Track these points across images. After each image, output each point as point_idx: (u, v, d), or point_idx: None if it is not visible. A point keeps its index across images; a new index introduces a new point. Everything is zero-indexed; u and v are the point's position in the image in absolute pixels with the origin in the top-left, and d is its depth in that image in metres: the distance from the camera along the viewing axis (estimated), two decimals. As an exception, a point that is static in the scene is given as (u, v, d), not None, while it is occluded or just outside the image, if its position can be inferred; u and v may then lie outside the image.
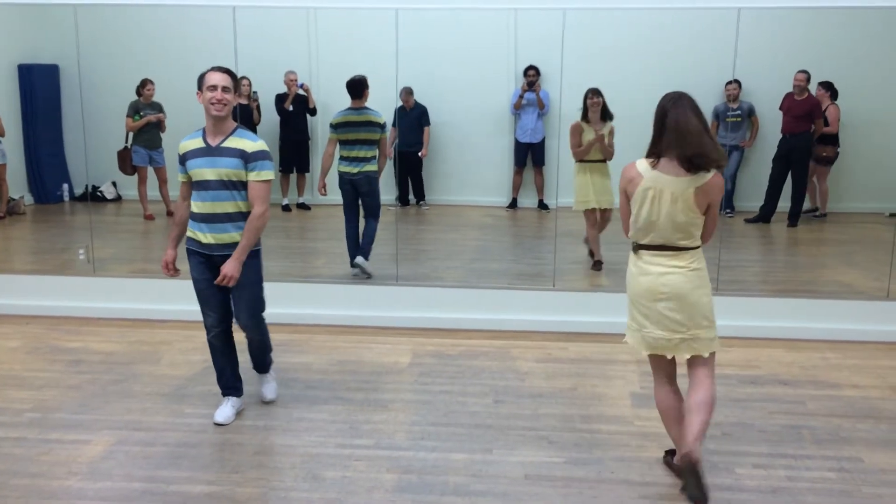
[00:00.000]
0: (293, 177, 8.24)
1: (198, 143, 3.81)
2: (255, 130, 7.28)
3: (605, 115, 6.39)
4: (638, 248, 3.37)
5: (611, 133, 6.37)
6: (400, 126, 7.63)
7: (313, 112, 8.16)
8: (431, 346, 5.19)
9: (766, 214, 7.70)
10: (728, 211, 7.80)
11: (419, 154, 8.12)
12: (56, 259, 6.96)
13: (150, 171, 7.92)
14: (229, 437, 3.87)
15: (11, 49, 8.31)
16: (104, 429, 3.94)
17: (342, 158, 6.24)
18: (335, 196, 6.42)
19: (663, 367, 3.44)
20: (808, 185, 7.72)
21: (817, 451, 3.73)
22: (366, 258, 6.22)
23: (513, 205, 8.65)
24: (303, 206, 8.33)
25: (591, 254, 6.58)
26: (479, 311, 5.59)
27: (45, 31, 8.26)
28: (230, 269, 3.76)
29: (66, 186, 8.60)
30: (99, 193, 8.54)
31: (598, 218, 6.47)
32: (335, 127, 6.23)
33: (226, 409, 4.04)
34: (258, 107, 8.02)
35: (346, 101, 6.24)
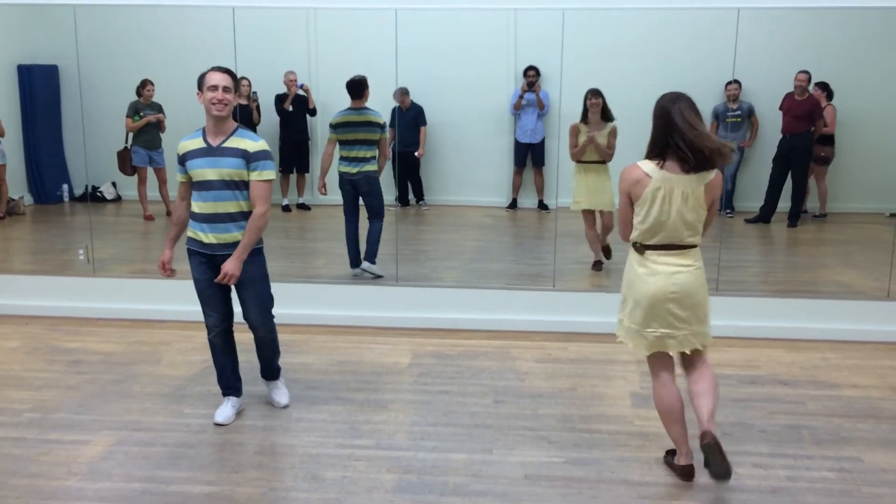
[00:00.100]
0: (293, 177, 8.24)
1: (198, 143, 3.81)
2: (254, 131, 7.27)
3: (606, 116, 6.33)
4: (644, 248, 3.35)
5: (611, 134, 6.29)
6: (397, 126, 7.63)
7: (313, 112, 8.16)
8: (431, 347, 5.19)
9: (766, 215, 7.70)
10: (728, 211, 7.80)
11: (415, 154, 8.10)
12: (56, 259, 6.95)
13: (150, 171, 7.92)
14: (229, 438, 3.86)
15: (11, 49, 8.31)
16: (104, 429, 3.93)
17: (342, 158, 6.24)
18: (335, 196, 6.41)
19: (664, 366, 3.45)
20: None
21: (817, 451, 3.73)
22: (373, 261, 6.22)
23: (513, 205, 8.65)
24: (303, 207, 8.33)
25: (605, 251, 6.53)
26: (479, 312, 5.59)
27: (44, 32, 8.26)
28: (231, 267, 3.76)
29: (65, 187, 8.60)
30: (99, 194, 8.54)
31: (595, 219, 6.44)
32: (334, 127, 6.23)
33: (226, 410, 4.04)
34: (258, 107, 8.02)
35: (345, 101, 6.24)
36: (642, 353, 3.47)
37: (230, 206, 3.80)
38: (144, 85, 7.73)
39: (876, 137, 7.53)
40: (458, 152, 8.70)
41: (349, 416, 4.11)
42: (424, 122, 8.13)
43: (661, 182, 3.24)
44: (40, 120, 8.48)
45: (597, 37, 7.54)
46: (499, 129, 8.75)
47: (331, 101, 7.86)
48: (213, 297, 3.93)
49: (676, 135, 3.20)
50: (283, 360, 4.76)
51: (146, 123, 7.75)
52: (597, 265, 6.49)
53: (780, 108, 7.59)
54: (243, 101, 7.55)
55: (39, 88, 8.42)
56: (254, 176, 3.79)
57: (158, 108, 7.81)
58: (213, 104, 3.70)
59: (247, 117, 7.74)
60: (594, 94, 6.31)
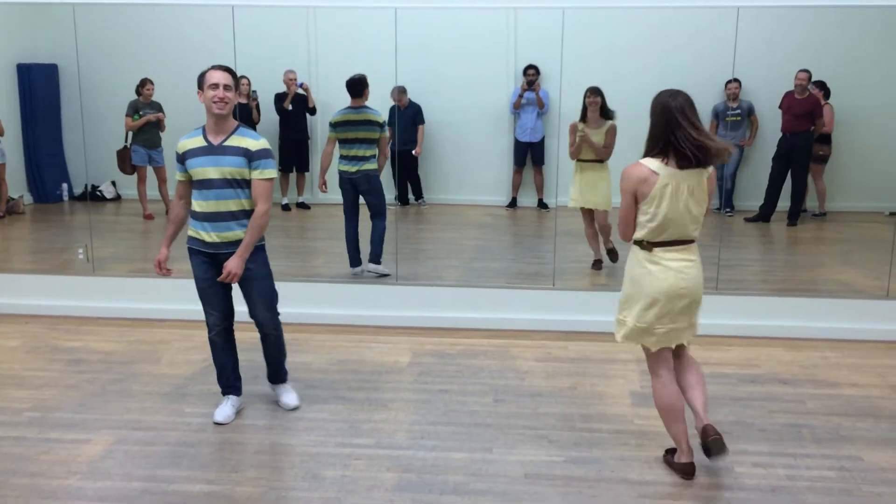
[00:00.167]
0: (293, 176, 8.24)
1: (198, 141, 3.80)
2: (254, 130, 7.27)
3: (605, 114, 6.29)
4: (652, 246, 3.34)
5: (608, 132, 6.25)
6: (395, 125, 7.63)
7: (313, 111, 8.16)
8: (431, 346, 5.19)
9: (765, 213, 7.70)
10: (728, 210, 7.80)
11: (413, 152, 8.09)
12: (55, 258, 6.95)
13: (150, 170, 7.92)
14: (229, 437, 3.87)
15: (10, 48, 8.31)
16: (104, 428, 3.93)
17: (342, 157, 6.24)
18: (335, 195, 6.42)
19: (666, 364, 3.47)
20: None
21: (817, 450, 3.73)
22: (378, 262, 6.22)
23: (512, 204, 8.65)
24: (302, 206, 8.33)
25: (611, 253, 6.49)
26: (479, 311, 5.59)
27: (43, 31, 8.26)
28: (234, 266, 3.76)
29: (65, 186, 8.60)
30: (98, 193, 8.54)
31: (592, 217, 6.42)
32: (334, 126, 6.23)
33: (225, 409, 4.03)
34: (257, 106, 8.02)
35: (345, 100, 6.24)
36: (650, 349, 3.45)
37: (232, 205, 3.79)
38: (144, 84, 7.73)
39: (876, 136, 7.53)
40: (458, 151, 8.70)
41: (349, 414, 4.11)
42: (422, 121, 8.13)
43: (668, 178, 3.25)
44: (40, 119, 8.48)
45: (597, 35, 7.54)
46: (499, 127, 8.75)
47: (330, 100, 7.86)
48: (215, 296, 3.93)
49: (680, 133, 3.21)
50: (283, 359, 4.76)
51: (146, 122, 7.75)
52: (597, 264, 6.48)
53: (780, 107, 7.60)
54: (243, 100, 7.55)
55: (39, 87, 8.42)
56: (255, 174, 3.79)
57: (158, 107, 7.81)
58: (214, 102, 3.69)
59: (246, 116, 7.73)
60: (593, 92, 6.29)
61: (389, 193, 7.24)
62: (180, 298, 5.50)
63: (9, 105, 8.24)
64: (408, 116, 8.07)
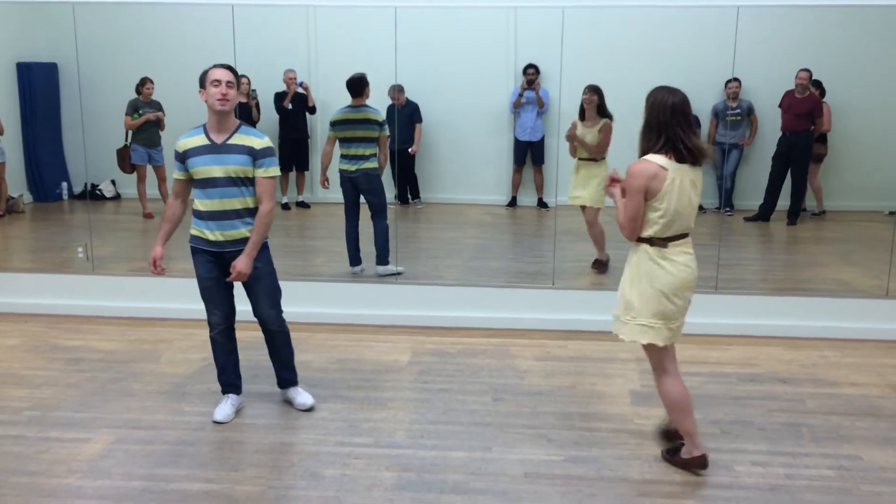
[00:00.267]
0: (292, 175, 8.24)
1: (200, 140, 3.79)
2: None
3: (603, 112, 6.24)
4: (664, 241, 3.35)
5: (601, 130, 6.18)
6: (393, 124, 7.62)
7: (312, 110, 8.16)
8: (431, 345, 5.19)
9: (765, 213, 7.70)
10: (727, 209, 7.80)
11: (409, 150, 8.07)
12: (55, 257, 6.96)
13: (150, 169, 7.92)
14: (228, 436, 3.87)
15: (10, 47, 8.31)
16: (103, 427, 3.94)
17: (342, 157, 6.25)
18: (334, 194, 6.41)
19: (672, 359, 3.49)
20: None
21: (816, 449, 3.74)
22: (386, 263, 6.22)
23: (512, 203, 8.65)
24: (302, 205, 8.33)
25: (597, 263, 6.42)
26: (479, 310, 5.59)
27: (43, 30, 8.26)
28: (243, 265, 3.77)
29: (65, 185, 8.60)
30: (98, 192, 8.54)
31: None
32: (333, 125, 6.23)
33: (225, 407, 4.03)
34: (257, 105, 8.02)
35: (344, 99, 6.24)
36: (658, 345, 3.42)
37: (236, 203, 3.79)
38: (144, 83, 7.73)
39: (876, 135, 7.53)
40: (458, 150, 8.70)
41: (349, 413, 4.12)
42: (420, 120, 8.11)
43: (675, 173, 3.28)
44: (39, 118, 8.48)
45: (596, 35, 7.54)
46: (498, 127, 8.75)
47: (330, 100, 7.86)
48: (218, 295, 3.93)
49: (680, 131, 3.27)
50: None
51: (145, 121, 7.75)
52: (596, 263, 6.48)
53: (780, 106, 7.59)
54: (242, 99, 7.55)
55: (39, 86, 8.42)
56: (260, 172, 3.79)
57: (158, 106, 7.81)
58: (217, 100, 3.69)
59: (246, 115, 7.73)
60: (589, 90, 6.23)
61: (389, 192, 7.24)
62: (180, 297, 5.50)
63: (8, 104, 8.24)
64: (405, 115, 8.07)
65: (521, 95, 8.26)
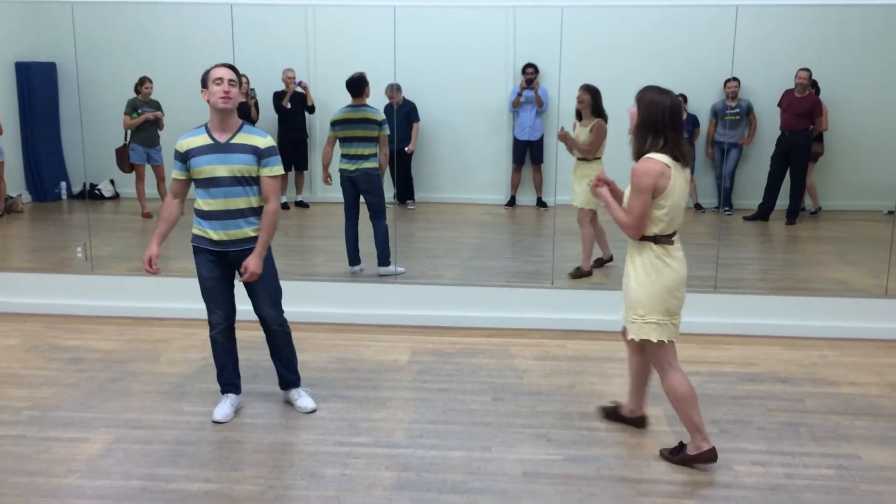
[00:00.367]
0: (291, 174, 8.23)
1: (203, 139, 3.78)
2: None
3: (598, 112, 6.18)
4: (668, 238, 3.41)
5: (592, 130, 6.11)
6: (389, 123, 7.61)
7: (311, 110, 8.15)
8: (430, 344, 5.19)
9: (764, 212, 7.70)
10: (727, 209, 7.81)
11: (406, 149, 8.05)
12: (54, 257, 6.95)
13: (148, 168, 7.91)
14: (228, 435, 3.87)
15: (9, 47, 8.30)
16: (103, 427, 3.93)
17: (342, 156, 6.25)
18: (333, 193, 6.41)
19: (675, 353, 3.52)
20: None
21: (815, 449, 3.74)
22: (387, 263, 6.21)
23: (511, 202, 8.65)
24: (301, 204, 8.33)
25: (577, 271, 6.30)
26: (478, 309, 5.59)
27: (42, 29, 8.25)
28: (254, 265, 3.78)
29: (63, 184, 8.59)
30: (97, 191, 8.54)
31: (595, 215, 6.38)
32: (334, 124, 6.23)
33: (224, 407, 4.03)
34: (256, 104, 8.02)
35: (343, 98, 6.24)
36: (664, 341, 3.45)
37: (240, 203, 3.79)
38: (143, 82, 7.72)
39: (875, 135, 7.54)
40: (457, 149, 8.70)
41: (348, 413, 4.12)
42: (417, 119, 8.10)
43: (676, 172, 3.36)
44: (38, 117, 8.47)
45: (595, 34, 7.54)
46: (497, 126, 8.75)
47: (329, 99, 7.86)
48: (219, 295, 3.93)
49: (676, 132, 3.35)
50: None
51: (144, 121, 7.74)
52: (598, 262, 6.47)
53: (779, 105, 7.60)
54: (241, 99, 7.54)
55: (37, 86, 8.41)
56: (265, 172, 3.79)
57: (156, 106, 7.80)
58: (220, 98, 3.69)
59: (245, 114, 7.73)
60: (582, 90, 6.17)
61: (388, 192, 7.24)
62: (179, 297, 5.50)
63: (7, 103, 8.23)
64: (402, 114, 8.06)
65: (520, 95, 8.26)
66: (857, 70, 7.51)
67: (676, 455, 3.56)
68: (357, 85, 6.16)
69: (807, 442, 3.81)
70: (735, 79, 7.34)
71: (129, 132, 7.79)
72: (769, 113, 7.68)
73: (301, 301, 5.45)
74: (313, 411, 4.12)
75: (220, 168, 3.74)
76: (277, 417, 4.07)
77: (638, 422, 3.92)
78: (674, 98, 3.36)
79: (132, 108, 7.73)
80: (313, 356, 4.94)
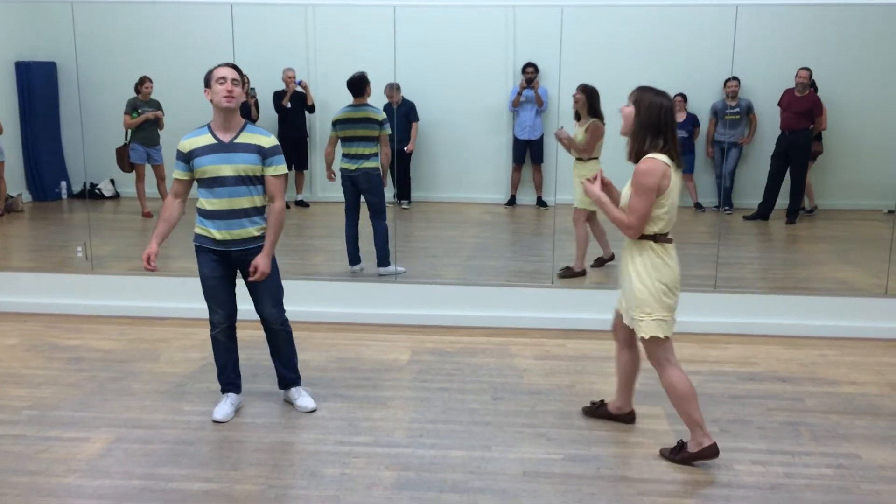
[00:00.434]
0: (291, 174, 8.23)
1: (207, 139, 3.78)
2: (253, 127, 7.27)
3: (594, 112, 6.15)
4: (665, 238, 3.45)
5: (587, 130, 6.11)
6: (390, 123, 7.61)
7: (311, 109, 8.16)
8: (430, 344, 5.19)
9: (764, 211, 7.70)
10: (727, 208, 7.81)
11: (405, 149, 8.04)
12: (54, 256, 6.95)
13: (148, 168, 7.91)
14: (228, 435, 3.87)
15: (9, 46, 8.30)
16: (103, 426, 3.93)
17: (343, 156, 6.25)
18: (334, 193, 6.42)
19: (673, 349, 3.54)
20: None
21: (815, 448, 3.74)
22: (386, 264, 6.21)
23: (511, 202, 8.65)
24: (301, 204, 8.33)
25: (566, 270, 6.30)
26: (478, 309, 5.60)
27: (42, 29, 8.25)
28: (263, 265, 3.79)
29: (63, 184, 8.59)
30: (97, 191, 8.54)
31: (595, 215, 6.37)
32: (335, 124, 6.23)
33: (225, 407, 4.03)
34: (256, 103, 8.02)
35: (343, 97, 6.24)
36: (663, 338, 3.47)
37: (244, 202, 3.80)
38: (143, 82, 7.72)
39: (875, 134, 7.54)
40: (457, 149, 8.70)
41: (348, 412, 4.12)
42: (416, 118, 8.09)
43: (675, 171, 3.40)
44: (38, 117, 8.47)
45: (595, 33, 7.54)
46: (497, 125, 8.75)
47: (329, 98, 7.87)
48: (221, 294, 3.93)
49: (674, 133, 3.39)
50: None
51: (144, 120, 7.75)
52: (598, 261, 6.47)
53: (780, 105, 7.60)
54: (244, 98, 7.54)
55: (37, 85, 8.41)
56: (269, 171, 3.80)
57: (157, 105, 7.80)
58: (224, 97, 3.70)
59: (245, 114, 7.72)
60: (578, 90, 6.17)
61: (388, 191, 7.24)
62: (179, 296, 5.51)
63: (7, 103, 8.23)
64: (401, 114, 8.05)
65: (520, 94, 8.26)
66: (856, 69, 7.51)
67: (677, 454, 3.56)
68: (358, 84, 6.16)
69: (807, 441, 3.81)
70: (735, 78, 7.34)
71: (129, 132, 7.79)
72: (769, 112, 7.68)
73: (301, 300, 5.45)
74: (313, 411, 4.12)
75: (224, 168, 3.74)
76: (277, 417, 4.07)
77: (626, 418, 3.95)
78: (669, 99, 3.40)
79: (132, 107, 7.73)
80: (313, 355, 4.94)
